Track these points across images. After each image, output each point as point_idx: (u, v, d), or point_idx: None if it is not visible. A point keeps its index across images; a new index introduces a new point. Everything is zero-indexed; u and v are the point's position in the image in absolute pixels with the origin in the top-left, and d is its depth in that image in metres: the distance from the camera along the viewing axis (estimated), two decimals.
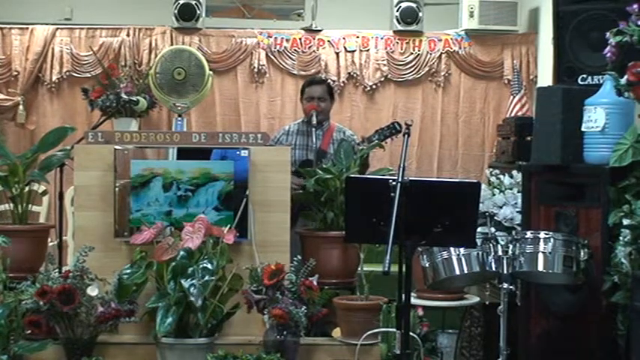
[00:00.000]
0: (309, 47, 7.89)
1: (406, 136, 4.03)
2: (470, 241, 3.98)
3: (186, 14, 7.73)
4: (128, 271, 4.73)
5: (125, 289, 4.68)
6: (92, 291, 4.61)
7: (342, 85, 7.86)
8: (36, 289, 4.58)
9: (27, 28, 7.77)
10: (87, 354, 4.60)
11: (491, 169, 5.91)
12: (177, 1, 7.71)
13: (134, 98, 6.74)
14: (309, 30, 7.94)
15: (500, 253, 4.36)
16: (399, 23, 7.84)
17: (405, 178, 3.67)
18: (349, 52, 7.90)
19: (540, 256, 4.34)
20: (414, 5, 7.82)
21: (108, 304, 4.60)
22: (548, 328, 4.64)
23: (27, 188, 5.37)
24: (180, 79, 5.58)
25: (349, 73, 7.90)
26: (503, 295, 4.28)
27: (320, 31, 7.92)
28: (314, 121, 5.88)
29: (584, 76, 4.98)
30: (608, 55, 4.49)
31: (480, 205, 4.44)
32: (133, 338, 4.83)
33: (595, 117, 4.50)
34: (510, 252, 4.35)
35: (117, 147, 5.06)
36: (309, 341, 4.84)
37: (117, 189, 5.03)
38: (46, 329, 4.61)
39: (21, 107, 7.75)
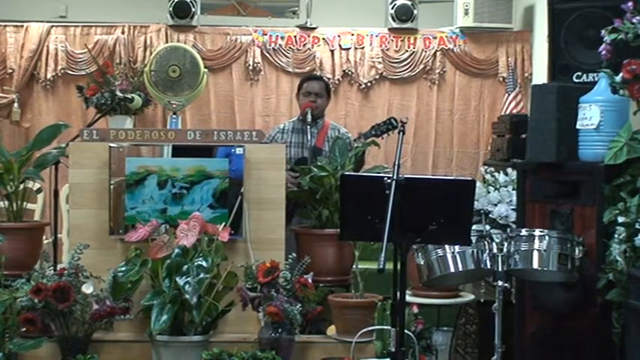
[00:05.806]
0: (304, 45, 7.88)
1: (401, 133, 4.03)
2: (465, 239, 3.98)
3: (181, 12, 7.72)
4: (123, 268, 4.72)
5: (120, 286, 4.68)
6: (87, 289, 4.62)
7: (337, 82, 7.85)
8: (31, 286, 4.58)
9: (22, 26, 7.76)
10: (82, 351, 4.60)
11: (486, 167, 5.90)
12: None
13: (129, 96, 6.72)
14: (304, 28, 7.93)
15: (495, 250, 4.35)
16: (394, 21, 7.84)
17: (400, 175, 3.67)
18: (344, 49, 7.89)
19: (535, 254, 4.33)
20: (408, 3, 7.82)
21: (103, 302, 4.60)
22: (543, 326, 4.64)
23: (22, 186, 5.38)
24: (175, 77, 5.57)
25: (344, 71, 7.89)
26: (498, 293, 4.27)
27: (315, 28, 7.91)
28: (309, 118, 5.87)
29: (579, 73, 4.98)
30: (603, 52, 4.48)
31: (475, 202, 4.43)
32: (128, 336, 4.83)
33: (590, 114, 4.50)
34: (505, 249, 4.34)
35: (112, 145, 5.06)
36: (304, 339, 4.85)
37: (112, 187, 5.02)
38: (41, 327, 4.60)
39: (16, 105, 7.74)
